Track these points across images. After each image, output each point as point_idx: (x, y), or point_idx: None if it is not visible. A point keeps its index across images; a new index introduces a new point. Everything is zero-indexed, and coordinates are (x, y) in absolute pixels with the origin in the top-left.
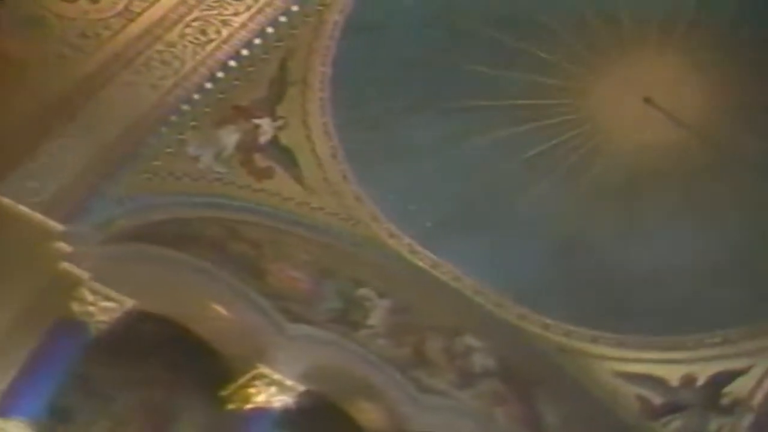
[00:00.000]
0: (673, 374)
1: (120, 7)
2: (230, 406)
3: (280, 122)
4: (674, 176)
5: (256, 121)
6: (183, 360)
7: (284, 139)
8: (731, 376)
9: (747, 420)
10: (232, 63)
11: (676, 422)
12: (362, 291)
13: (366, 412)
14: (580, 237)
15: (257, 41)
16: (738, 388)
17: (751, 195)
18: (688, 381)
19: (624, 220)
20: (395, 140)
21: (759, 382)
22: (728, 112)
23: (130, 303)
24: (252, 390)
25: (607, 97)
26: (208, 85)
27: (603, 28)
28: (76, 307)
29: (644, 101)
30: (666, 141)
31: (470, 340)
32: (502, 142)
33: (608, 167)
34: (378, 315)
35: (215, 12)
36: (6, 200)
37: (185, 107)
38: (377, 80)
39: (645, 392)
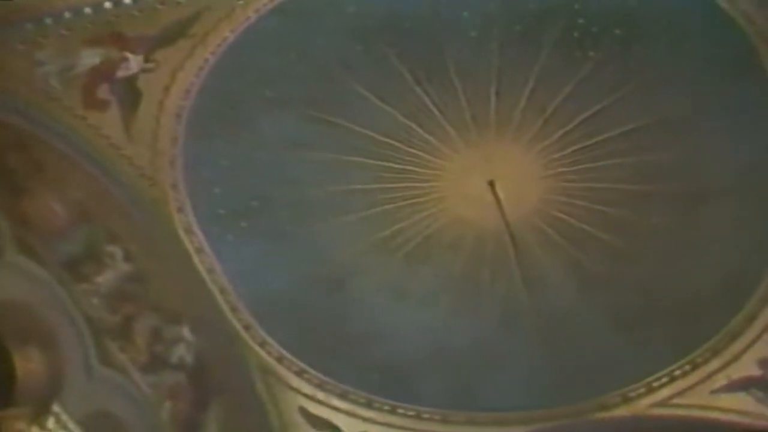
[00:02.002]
0: (350, 428)
1: None
2: None
3: (150, 65)
4: (465, 255)
5: (128, 54)
6: None
7: (142, 82)
8: None
9: None
10: None
11: None
12: (110, 248)
13: (30, 362)
14: (348, 280)
15: None
16: None
17: (513, 302)
18: None
19: (395, 278)
20: (245, 124)
21: None
22: (551, 226)
23: None
24: None
25: (462, 166)
26: (108, 5)
27: (500, 106)
28: None
29: (488, 183)
30: (483, 224)
31: (185, 331)
32: (335, 165)
33: (414, 227)
34: (110, 276)
35: None
36: None
37: (68, 15)
38: (270, 63)
39: None
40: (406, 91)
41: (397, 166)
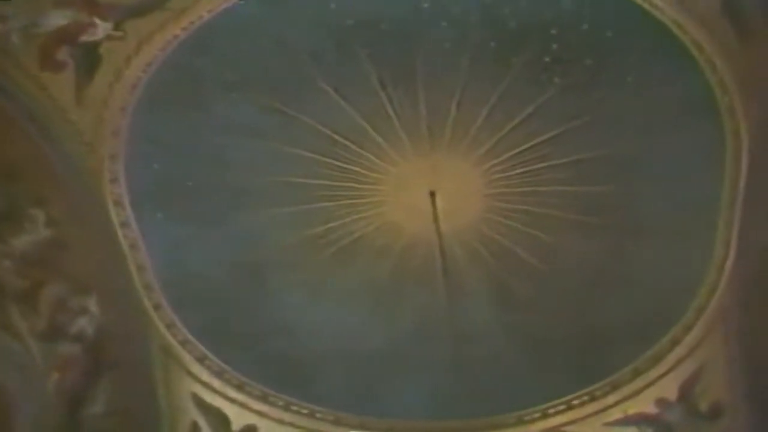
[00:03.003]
0: (239, 420)
1: None
2: None
3: (118, 33)
4: (392, 261)
5: (97, 20)
6: None
7: (104, 49)
8: None
9: None
10: None
11: None
12: (34, 211)
13: None
14: (270, 272)
15: None
16: None
17: (431, 313)
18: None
19: (318, 276)
20: (200, 104)
21: None
22: (483, 244)
23: None
24: None
25: (408, 173)
26: None
27: (458, 119)
28: None
29: (429, 194)
30: (417, 233)
31: (91, 304)
32: (281, 157)
33: (347, 227)
34: (28, 240)
35: None
36: None
37: None
38: (239, 48)
39: (203, 423)
40: (369, 93)
41: (343, 165)
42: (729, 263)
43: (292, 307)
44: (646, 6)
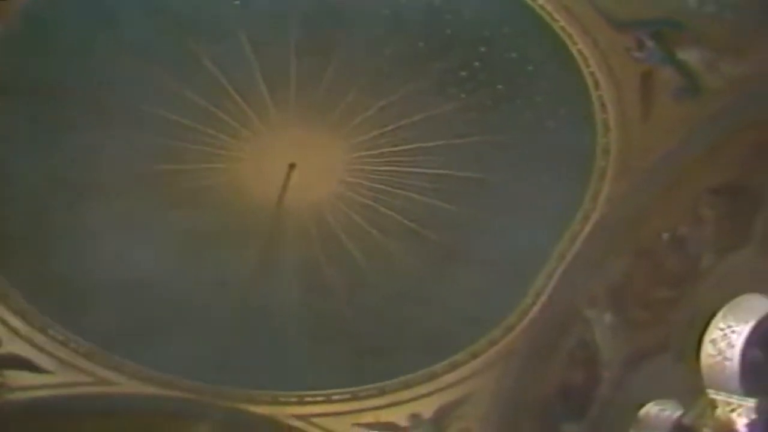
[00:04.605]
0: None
1: None
2: None
3: None
4: (223, 217)
5: None
6: None
7: None
8: None
9: None
10: None
11: None
12: None
13: None
14: (98, 198)
15: None
16: None
17: (236, 276)
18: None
19: (146, 212)
20: (110, 16)
21: None
22: (317, 226)
23: None
24: None
25: (278, 139)
26: None
27: (350, 105)
28: None
29: (289, 165)
30: (259, 198)
31: None
32: (165, 90)
33: (196, 173)
34: None
35: None
36: None
37: None
38: None
39: None
40: (280, 53)
41: (220, 114)
42: (532, 313)
43: (95, 233)
44: (574, 52)
